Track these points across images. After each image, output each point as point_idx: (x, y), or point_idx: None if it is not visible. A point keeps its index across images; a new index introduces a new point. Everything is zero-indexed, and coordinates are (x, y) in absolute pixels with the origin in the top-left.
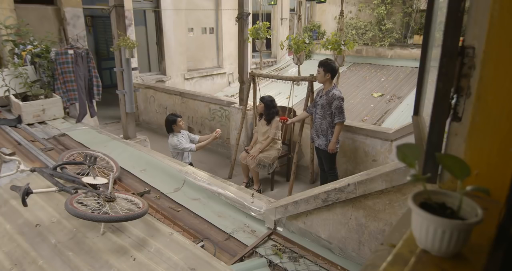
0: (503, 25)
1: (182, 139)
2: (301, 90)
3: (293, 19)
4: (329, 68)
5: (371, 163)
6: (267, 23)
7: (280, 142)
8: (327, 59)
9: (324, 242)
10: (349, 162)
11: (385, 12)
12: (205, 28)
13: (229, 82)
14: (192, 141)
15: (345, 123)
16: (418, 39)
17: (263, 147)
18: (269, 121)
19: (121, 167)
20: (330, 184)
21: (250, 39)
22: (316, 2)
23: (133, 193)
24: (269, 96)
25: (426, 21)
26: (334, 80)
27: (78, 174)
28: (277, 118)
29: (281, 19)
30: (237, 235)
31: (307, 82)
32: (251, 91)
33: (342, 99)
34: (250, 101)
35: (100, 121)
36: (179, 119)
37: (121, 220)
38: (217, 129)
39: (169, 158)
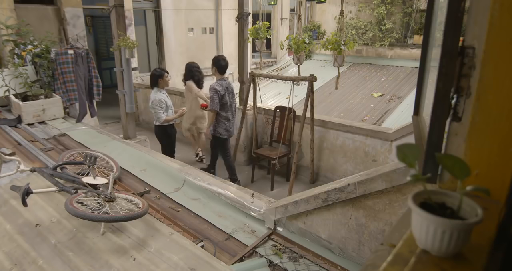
0: (503, 25)
1: (164, 100)
2: (301, 90)
3: (293, 19)
4: (214, 61)
5: (371, 163)
6: (267, 23)
7: (197, 114)
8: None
9: (324, 242)
10: (349, 162)
11: (385, 12)
12: (205, 28)
13: None
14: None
15: (345, 123)
16: (418, 39)
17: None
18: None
19: (121, 167)
20: (330, 184)
21: (250, 39)
22: (316, 2)
23: (133, 193)
24: (193, 62)
25: (426, 21)
26: (334, 81)
27: (78, 174)
28: (190, 82)
29: (281, 19)
30: (237, 235)
31: (307, 82)
32: (251, 91)
33: (215, 90)
34: (250, 101)
35: (100, 121)
36: (166, 74)
37: (121, 220)
38: (183, 108)
39: (169, 158)
